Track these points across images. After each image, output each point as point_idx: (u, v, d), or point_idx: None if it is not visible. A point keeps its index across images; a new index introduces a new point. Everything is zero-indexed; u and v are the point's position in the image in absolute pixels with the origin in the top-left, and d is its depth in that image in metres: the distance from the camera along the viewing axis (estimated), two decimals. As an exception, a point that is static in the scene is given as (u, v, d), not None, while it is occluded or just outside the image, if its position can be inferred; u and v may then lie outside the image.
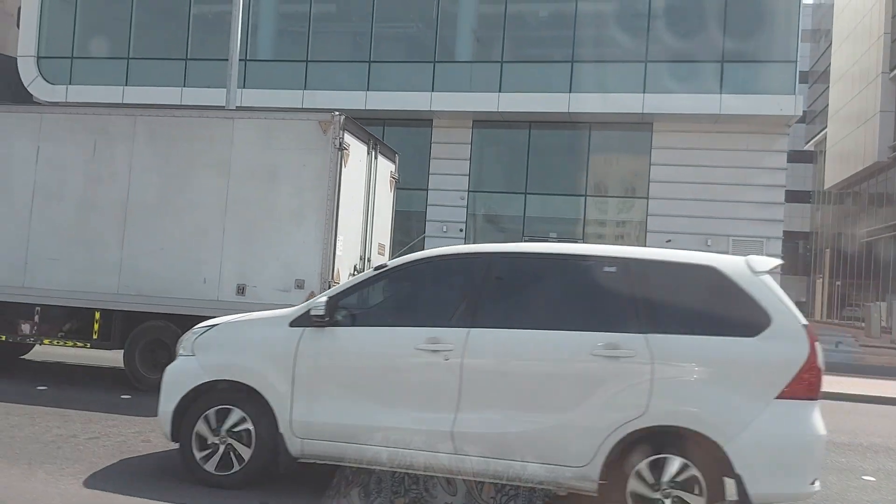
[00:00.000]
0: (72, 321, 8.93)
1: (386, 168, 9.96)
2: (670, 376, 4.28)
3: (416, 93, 20.10)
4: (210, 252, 8.37)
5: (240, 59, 21.82)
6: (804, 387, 4.18)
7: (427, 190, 20.90)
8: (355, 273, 8.86)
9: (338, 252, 8.29)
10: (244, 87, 21.16)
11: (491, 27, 20.86)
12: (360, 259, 9.16)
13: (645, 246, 20.24)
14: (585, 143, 20.55)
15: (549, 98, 19.46)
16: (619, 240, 20.80)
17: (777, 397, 4.17)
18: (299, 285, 8.05)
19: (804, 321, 4.33)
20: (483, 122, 20.97)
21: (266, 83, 20.81)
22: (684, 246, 19.86)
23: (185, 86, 21.50)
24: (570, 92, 19.35)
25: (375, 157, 9.53)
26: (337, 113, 8.30)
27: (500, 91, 19.77)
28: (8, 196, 8.89)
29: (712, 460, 4.14)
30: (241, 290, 8.23)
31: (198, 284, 8.33)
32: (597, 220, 20.98)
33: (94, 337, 8.70)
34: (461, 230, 21.04)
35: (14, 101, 23.93)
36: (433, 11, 20.81)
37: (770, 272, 4.51)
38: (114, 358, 9.43)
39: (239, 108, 10.01)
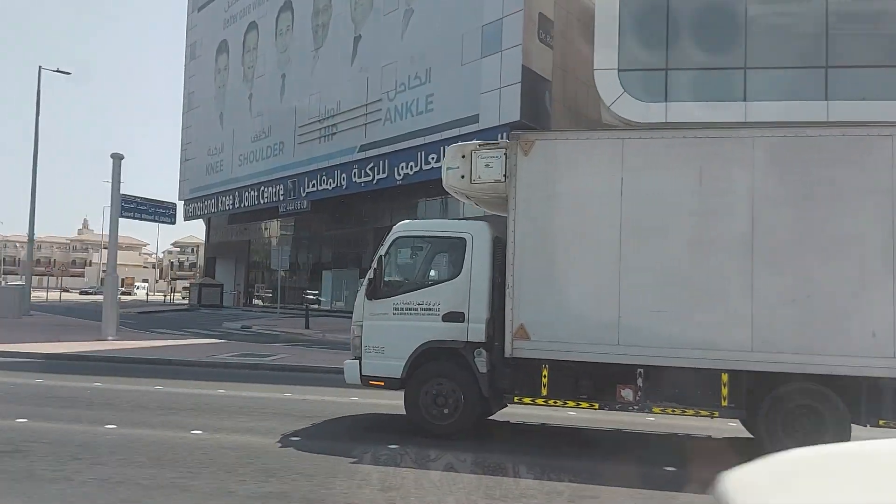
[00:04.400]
0: (688, 385, 7.51)
1: None
2: None
3: None
4: (877, 299, 7.01)
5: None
6: None
7: None
8: None
9: None
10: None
11: None
12: None
13: None
14: None
15: None
16: None
17: None
18: None
19: None
20: None
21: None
22: None
23: (828, 98, 17.98)
24: None
25: None
26: None
27: None
28: (585, 237, 7.74)
29: None
30: None
31: (863, 339, 6.99)
32: None
33: (723, 404, 7.36)
34: None
35: (538, 123, 20.64)
36: None
37: None
38: (607, 419, 8.83)
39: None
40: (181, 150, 45.40)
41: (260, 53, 35.72)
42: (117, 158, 16.23)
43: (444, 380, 7.89)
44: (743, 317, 7.21)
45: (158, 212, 19.43)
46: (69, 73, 25.50)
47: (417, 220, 10.52)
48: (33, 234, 24.97)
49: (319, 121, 30.18)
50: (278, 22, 34.15)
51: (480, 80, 21.98)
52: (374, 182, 26.72)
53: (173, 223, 21.11)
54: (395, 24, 26.11)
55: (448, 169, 8.38)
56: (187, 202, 43.24)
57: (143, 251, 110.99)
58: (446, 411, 7.86)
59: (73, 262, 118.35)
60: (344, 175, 28.35)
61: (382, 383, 8.09)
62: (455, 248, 8.14)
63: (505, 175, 7.86)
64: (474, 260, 7.97)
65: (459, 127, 22.30)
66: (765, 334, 7.17)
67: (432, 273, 8.56)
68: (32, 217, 24.66)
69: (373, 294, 8.13)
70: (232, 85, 38.44)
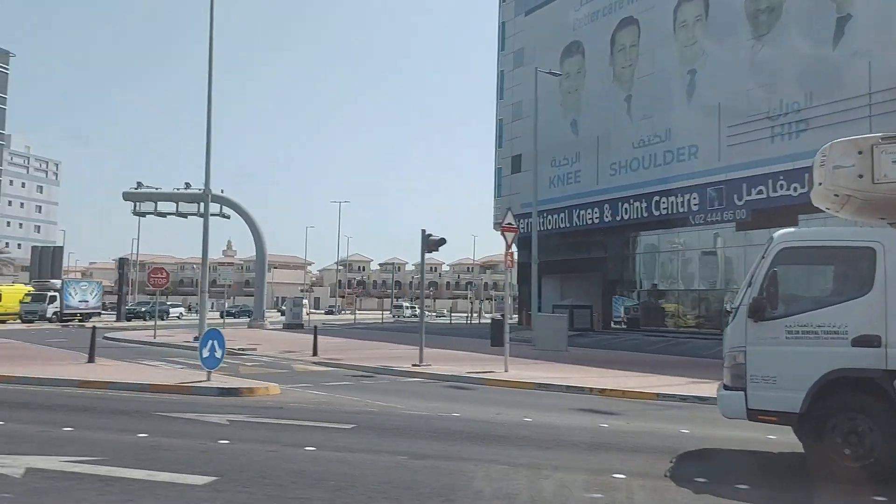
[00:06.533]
0: None
1: None
2: None
3: None
4: None
5: None
6: None
7: None
8: None
9: None
10: None
11: None
12: None
13: None
14: None
15: None
16: None
17: None
18: None
19: None
20: None
21: None
22: None
23: None
24: None
25: None
26: None
27: None
28: None
29: None
30: None
31: None
32: None
33: None
34: None
35: None
36: None
37: None
38: None
39: None
40: (496, 165, 43.24)
41: (643, 50, 32.61)
42: None
43: (856, 414, 7.13)
44: None
45: None
46: (560, 75, 22.83)
47: (803, 229, 9.66)
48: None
49: (770, 117, 26.50)
50: (678, 13, 30.90)
51: None
52: None
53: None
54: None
55: (835, 168, 7.55)
56: (516, 218, 40.84)
57: (308, 270, 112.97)
58: (861, 451, 7.06)
59: (247, 282, 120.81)
60: (825, 177, 24.44)
61: (775, 418, 7.46)
62: (860, 260, 7.36)
63: None
64: (889, 273, 7.18)
65: None
66: None
67: (831, 289, 7.98)
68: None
69: (759, 315, 7.42)
70: (593, 88, 35.59)
